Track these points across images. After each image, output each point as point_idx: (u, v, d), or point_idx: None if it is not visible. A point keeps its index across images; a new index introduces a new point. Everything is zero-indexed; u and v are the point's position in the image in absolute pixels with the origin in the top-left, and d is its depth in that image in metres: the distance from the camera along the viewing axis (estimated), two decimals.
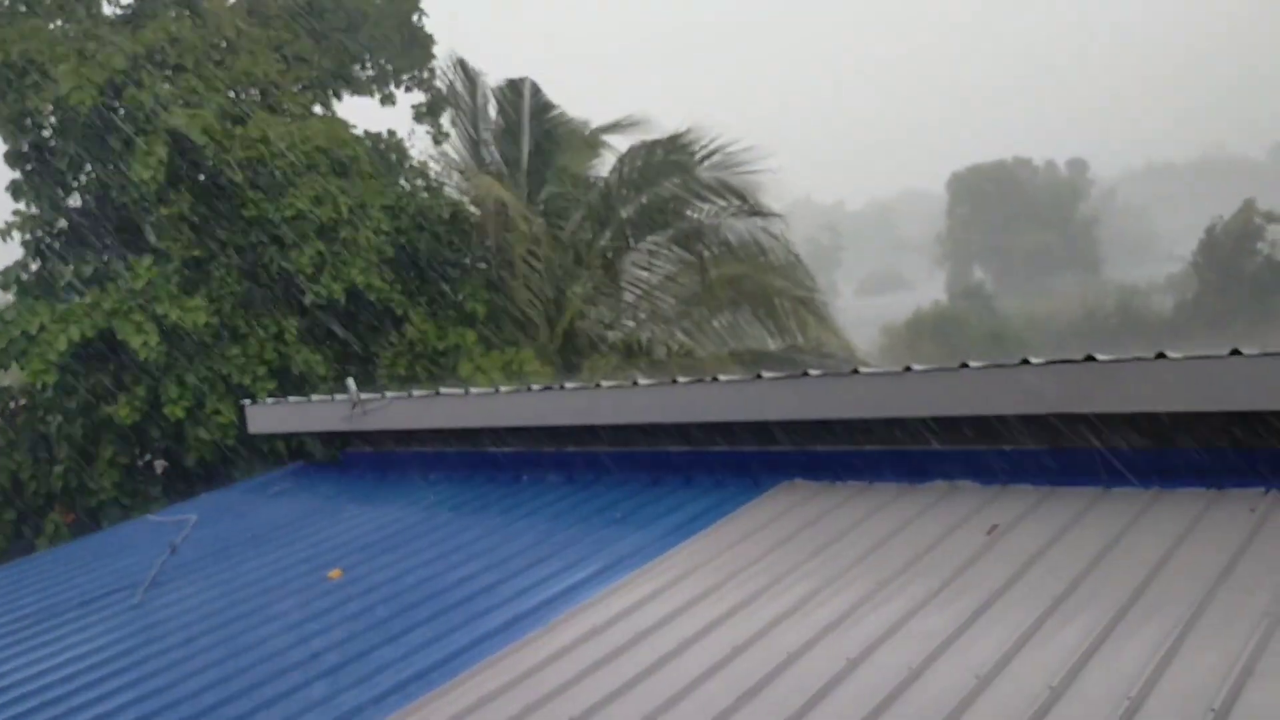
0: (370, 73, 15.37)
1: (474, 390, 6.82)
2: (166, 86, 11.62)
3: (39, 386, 10.49)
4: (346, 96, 15.23)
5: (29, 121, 11.71)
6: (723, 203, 14.77)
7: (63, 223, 12.34)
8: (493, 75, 16.41)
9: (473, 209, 13.73)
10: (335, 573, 5.29)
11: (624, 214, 14.88)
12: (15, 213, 12.03)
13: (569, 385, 6.23)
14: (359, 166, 12.24)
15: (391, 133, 13.78)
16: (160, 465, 11.92)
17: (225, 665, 4.33)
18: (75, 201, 12.42)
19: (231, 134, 11.48)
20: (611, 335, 15.05)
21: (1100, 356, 4.09)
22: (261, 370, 11.20)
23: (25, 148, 11.96)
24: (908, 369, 4.62)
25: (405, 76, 15.56)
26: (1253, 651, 2.74)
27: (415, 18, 15.47)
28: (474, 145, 16.04)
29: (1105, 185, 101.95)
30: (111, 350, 10.88)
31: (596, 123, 16.88)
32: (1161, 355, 3.92)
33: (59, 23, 12.54)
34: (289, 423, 8.30)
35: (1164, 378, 3.92)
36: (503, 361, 12.07)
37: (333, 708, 3.69)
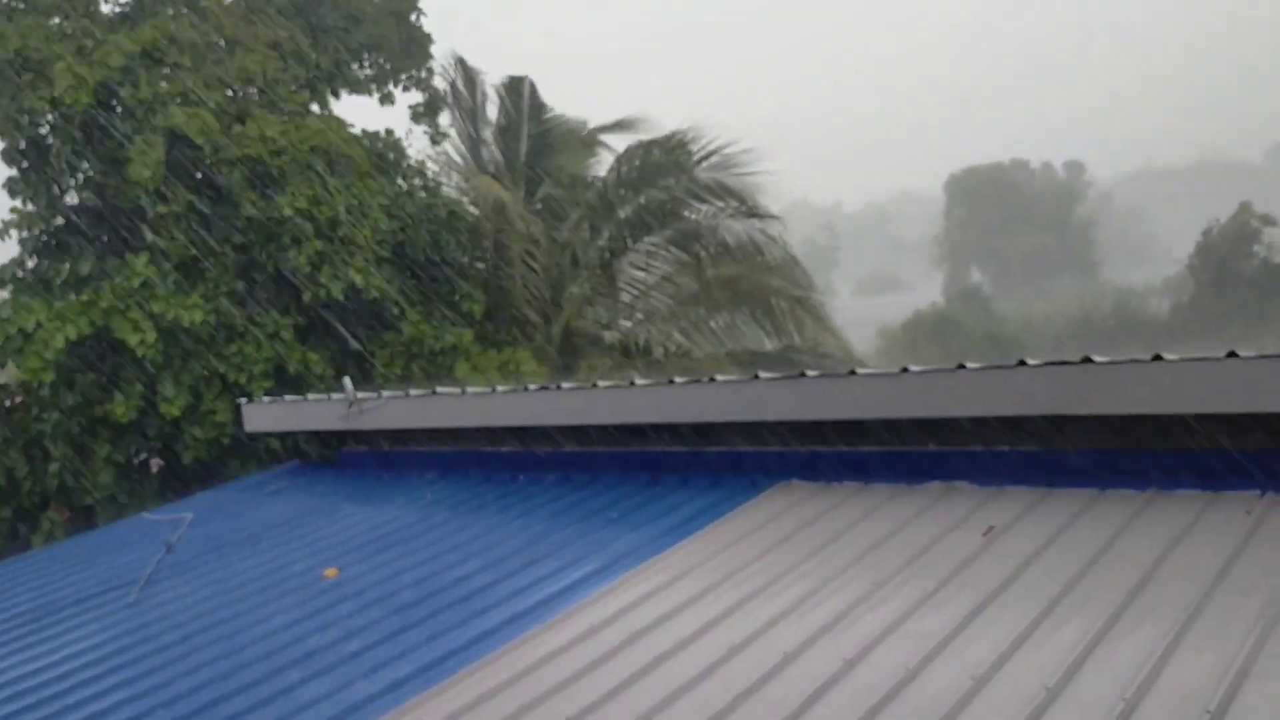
0: (369, 71, 15.37)
1: (470, 390, 6.82)
2: (164, 85, 11.61)
3: (36, 384, 10.47)
4: (345, 95, 15.24)
5: (26, 119, 11.68)
6: (720, 204, 14.78)
7: (60, 220, 12.33)
8: (492, 74, 16.45)
9: (471, 209, 13.73)
10: (331, 572, 5.28)
11: (621, 214, 14.88)
12: (12, 210, 12.01)
13: (566, 385, 6.22)
14: (357, 166, 12.23)
15: (389, 132, 13.78)
16: (156, 464, 11.91)
17: (221, 664, 4.32)
18: (72, 199, 12.41)
19: (229, 133, 11.47)
20: (608, 336, 15.06)
21: (1097, 358, 4.09)
22: (258, 369, 11.18)
23: (23, 145, 11.95)
24: (904, 370, 4.62)
25: (403, 76, 15.57)
26: (1249, 653, 2.75)
27: (413, 17, 15.47)
28: (473, 144, 16.05)
29: (1102, 187, 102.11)
30: (108, 348, 10.86)
31: (595, 123, 16.90)
32: (1158, 357, 3.93)
33: (57, 20, 12.52)
34: (285, 422, 8.29)
35: (1160, 380, 3.93)
36: (499, 361, 12.06)
37: (329, 706, 3.68)
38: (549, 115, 16.32)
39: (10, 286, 11.60)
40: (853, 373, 4.84)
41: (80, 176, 12.15)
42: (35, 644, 5.15)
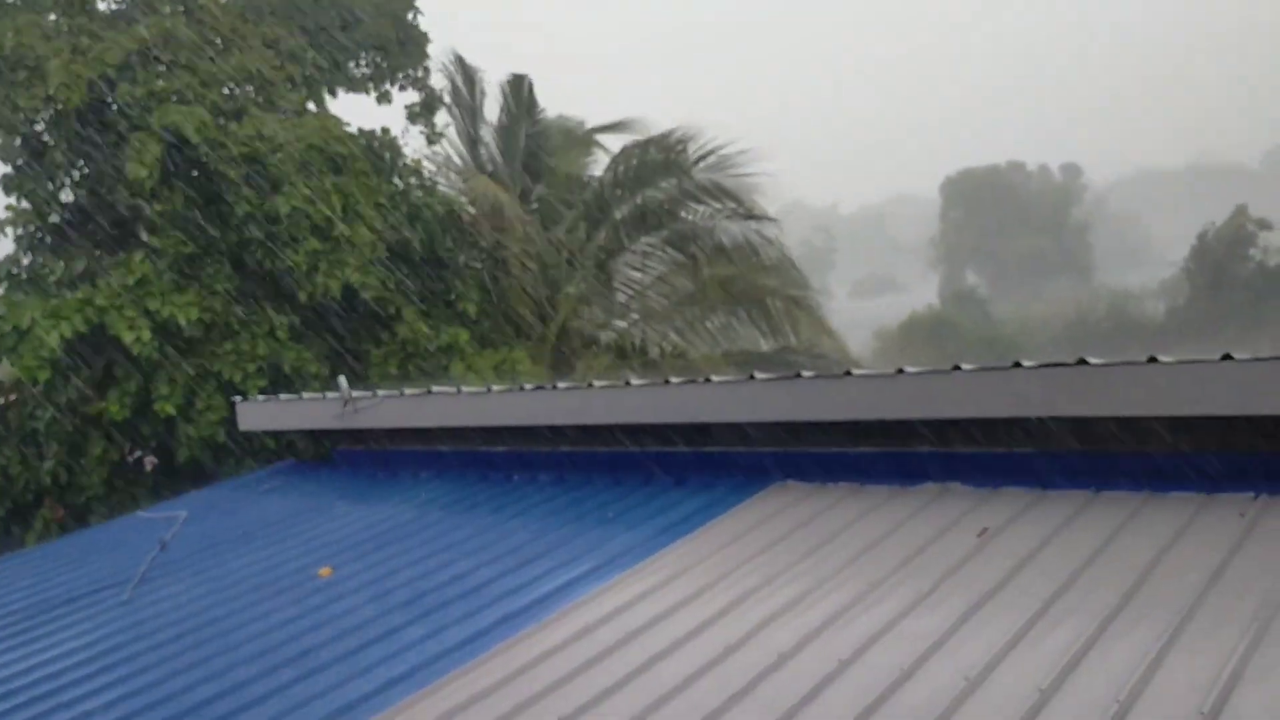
0: (366, 70, 15.36)
1: (466, 389, 6.82)
2: (161, 83, 11.59)
3: (31, 382, 10.45)
4: (342, 93, 15.22)
5: (21, 116, 11.66)
6: (717, 205, 14.79)
7: (55, 218, 12.31)
8: (491, 73, 16.44)
9: (469, 208, 13.72)
10: (325, 570, 5.28)
11: (618, 214, 14.89)
12: (8, 208, 12.00)
13: (561, 385, 6.22)
14: (353, 164, 12.22)
15: (385, 130, 13.76)
16: (150, 462, 11.89)
17: (214, 662, 4.31)
18: (68, 197, 12.39)
19: (226, 131, 11.45)
20: (605, 336, 15.06)
21: (1092, 360, 4.10)
22: (253, 367, 11.17)
23: (18, 142, 11.93)
24: (900, 371, 4.63)
25: (400, 75, 15.56)
26: (1243, 655, 2.75)
27: (410, 16, 15.46)
28: (472, 144, 16.04)
29: (1098, 190, 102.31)
30: (103, 346, 10.84)
31: (593, 122, 16.91)
32: (1153, 360, 3.94)
33: (54, 17, 12.50)
34: (280, 420, 8.28)
35: (1155, 382, 3.93)
36: (495, 361, 12.06)
37: (323, 705, 3.68)
38: (547, 115, 16.32)
39: (5, 284, 11.57)
40: (848, 374, 4.84)
41: (76, 174, 12.14)
42: (28, 642, 5.14)
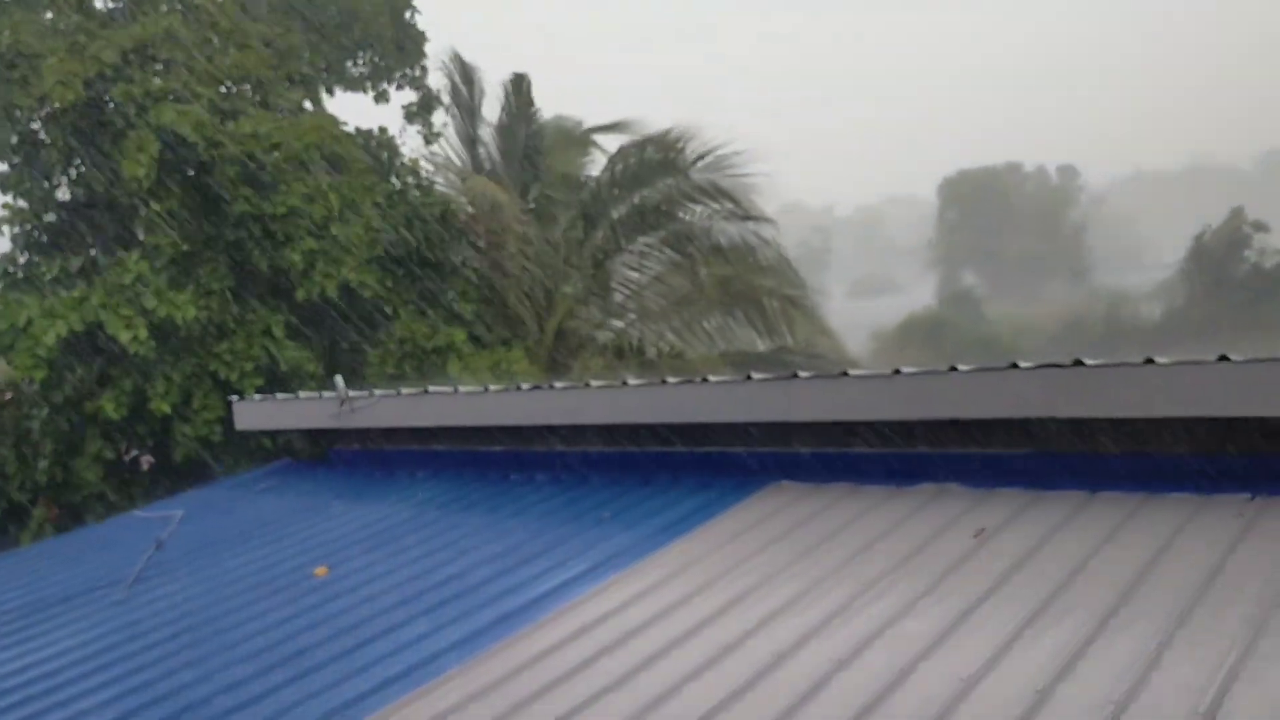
0: (363, 69, 15.36)
1: (463, 389, 6.81)
2: (157, 81, 11.58)
3: (27, 380, 10.44)
4: (340, 92, 15.22)
5: (18, 114, 11.65)
6: (715, 205, 14.80)
7: (51, 216, 12.29)
8: (490, 72, 16.44)
9: (468, 208, 13.72)
10: (321, 570, 5.27)
11: (615, 214, 14.89)
12: (4, 206, 11.99)
13: (558, 385, 6.22)
14: (350, 164, 12.22)
15: (383, 129, 13.77)
16: (147, 461, 11.88)
17: (210, 661, 4.31)
18: (64, 195, 12.37)
19: (223, 129, 11.44)
20: (601, 336, 15.06)
21: (1089, 361, 4.10)
22: (249, 366, 11.16)
23: (14, 140, 11.91)
24: (896, 371, 4.63)
25: (397, 74, 15.56)
26: (1239, 656, 2.75)
27: (408, 15, 15.46)
28: (470, 143, 16.03)
29: (1095, 192, 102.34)
30: (99, 345, 10.83)
31: (591, 122, 16.91)
32: (1150, 361, 3.94)
33: (50, 15, 12.49)
34: (276, 419, 8.27)
35: (1152, 383, 3.94)
36: (492, 361, 12.06)
37: (318, 704, 3.67)
38: (546, 115, 16.32)
39: (2, 282, 11.56)
40: (845, 374, 4.85)
41: (72, 173, 12.12)
42: (23, 641, 5.13)
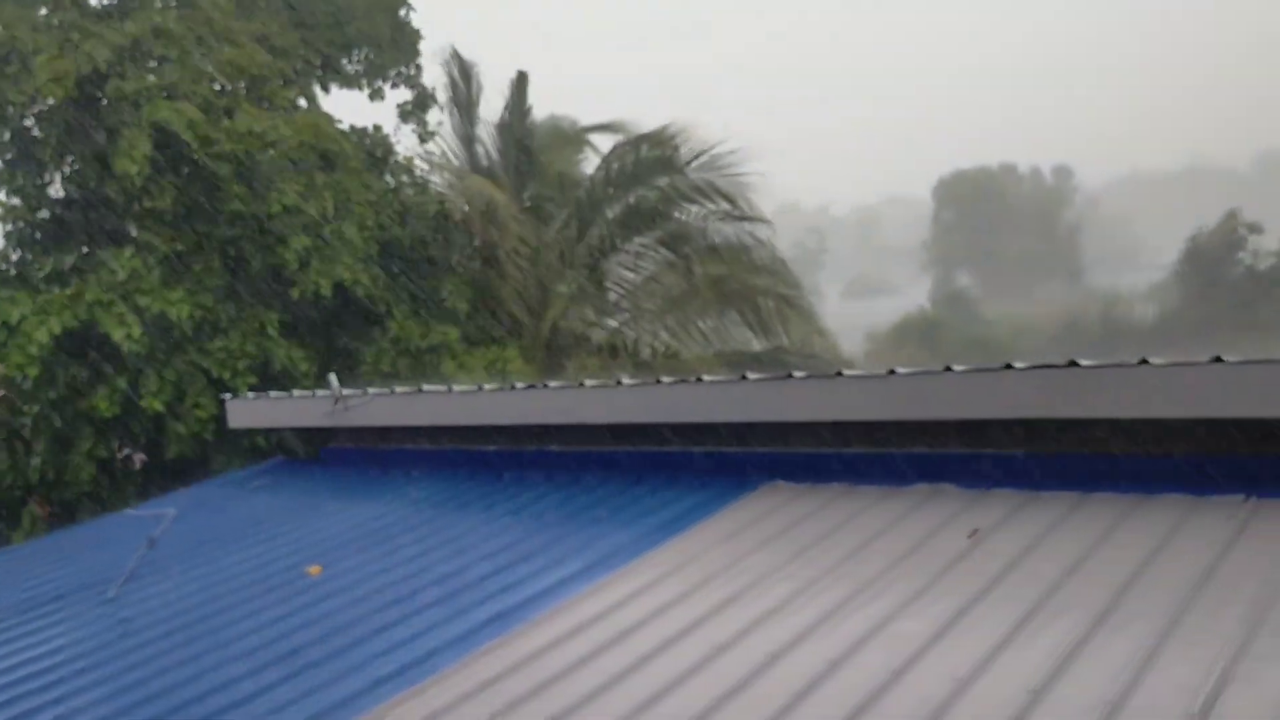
0: (358, 67, 15.33)
1: (457, 388, 6.80)
2: (151, 78, 11.55)
3: (19, 378, 10.40)
4: (335, 89, 15.19)
5: (10, 110, 11.61)
6: (711, 205, 14.79)
7: (44, 213, 12.25)
8: (485, 69, 16.40)
9: (464, 206, 13.70)
10: (315, 569, 5.26)
11: (610, 214, 14.88)
12: None
13: (553, 384, 6.21)
14: (345, 162, 12.19)
15: (377, 128, 13.74)
16: (139, 459, 11.84)
17: (202, 660, 4.29)
18: (57, 192, 12.33)
19: (217, 127, 11.42)
20: (596, 335, 15.05)
21: (1083, 362, 4.10)
22: (242, 364, 11.14)
23: (7, 136, 11.87)
24: (891, 372, 4.63)
25: (392, 72, 15.53)
26: (1232, 657, 2.75)
27: (402, 12, 15.43)
28: (467, 141, 16.00)
29: (1090, 193, 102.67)
30: (91, 342, 10.80)
31: (586, 120, 16.89)
32: (1144, 362, 3.94)
33: (44, 11, 12.45)
34: (270, 418, 8.25)
35: (1146, 384, 3.94)
36: (486, 360, 12.05)
37: (311, 703, 3.66)
38: (542, 113, 16.31)
39: None
40: (840, 374, 4.84)
41: (65, 170, 12.09)
42: (14, 639, 5.11)
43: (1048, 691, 2.78)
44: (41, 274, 11.30)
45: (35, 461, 10.97)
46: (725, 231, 14.91)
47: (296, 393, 8.11)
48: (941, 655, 3.10)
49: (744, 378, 5.20)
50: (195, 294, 11.14)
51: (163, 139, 11.10)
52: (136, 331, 10.37)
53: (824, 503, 4.70)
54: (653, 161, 14.82)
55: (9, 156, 11.95)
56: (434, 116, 15.88)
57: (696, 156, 14.77)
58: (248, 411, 8.37)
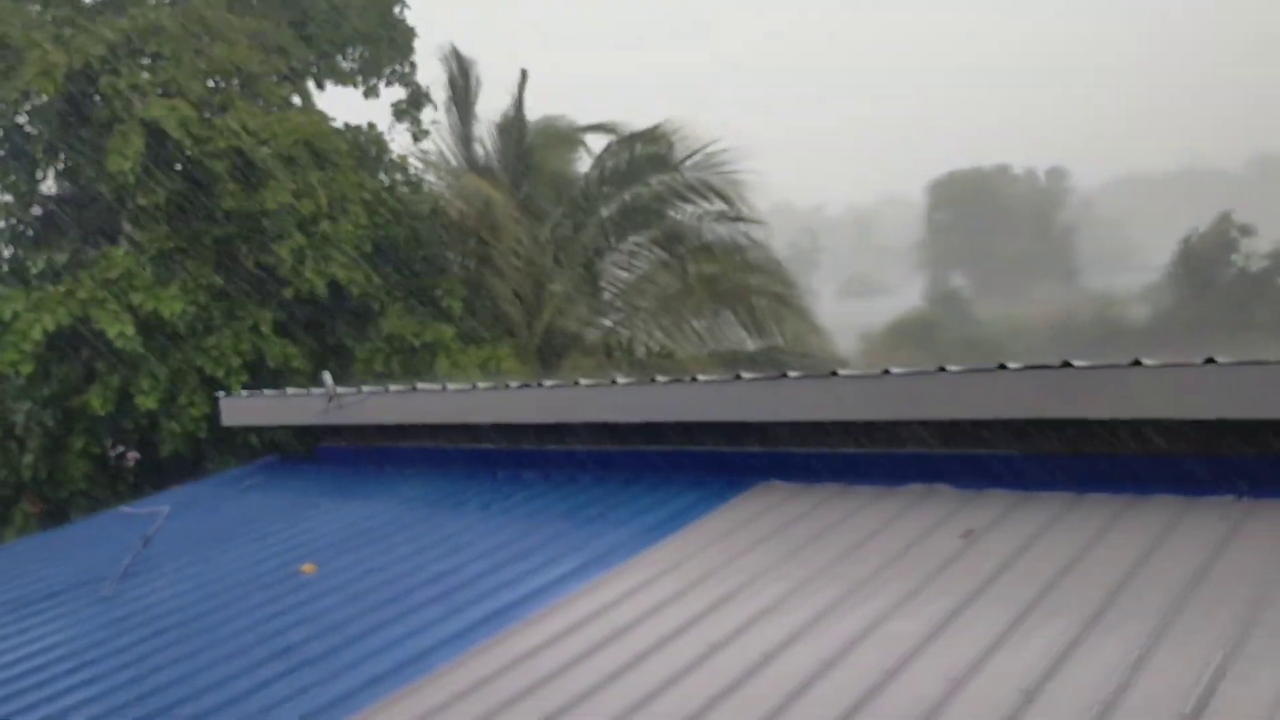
0: (353, 64, 15.30)
1: (451, 386, 6.80)
2: (145, 75, 11.52)
3: (13, 375, 10.38)
4: (330, 86, 15.16)
5: (2, 106, 11.57)
6: (706, 204, 14.78)
7: (37, 210, 12.22)
8: (485, 68, 16.37)
9: (461, 205, 13.69)
10: (309, 567, 5.25)
11: (604, 213, 14.87)
12: None
13: (547, 383, 6.21)
14: (339, 160, 12.17)
15: (371, 125, 13.72)
16: (132, 457, 11.82)
17: (197, 659, 4.29)
18: (50, 188, 12.30)
19: (211, 124, 11.40)
20: (590, 334, 15.04)
21: (1077, 363, 4.12)
22: (236, 362, 11.12)
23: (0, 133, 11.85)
24: (886, 372, 4.64)
25: (387, 70, 15.50)
26: (1224, 657, 2.77)
27: (397, 10, 15.41)
28: (465, 139, 15.97)
29: (1084, 194, 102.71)
30: (84, 339, 10.77)
31: (584, 119, 16.86)
32: (1137, 363, 3.95)
33: (37, 7, 12.41)
34: (264, 416, 8.25)
35: (1140, 385, 3.95)
36: (480, 358, 12.04)
37: (306, 701, 3.66)
38: (539, 111, 16.29)
39: None
40: (834, 374, 4.85)
41: (58, 166, 12.06)
42: (8, 637, 5.10)
43: (1041, 691, 2.79)
44: (35, 271, 11.27)
45: (28, 459, 10.94)
46: (719, 230, 14.91)
47: (290, 391, 8.10)
48: (935, 655, 3.11)
49: (738, 377, 5.21)
50: (189, 291, 11.11)
51: (156, 136, 11.07)
52: (130, 328, 10.35)
53: (818, 502, 4.70)
54: (646, 159, 14.81)
55: (1, 153, 11.91)
56: (429, 115, 15.86)
57: (690, 155, 14.77)
58: (241, 409, 8.36)
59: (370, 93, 15.32)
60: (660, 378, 5.60)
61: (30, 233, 12.16)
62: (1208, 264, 54.02)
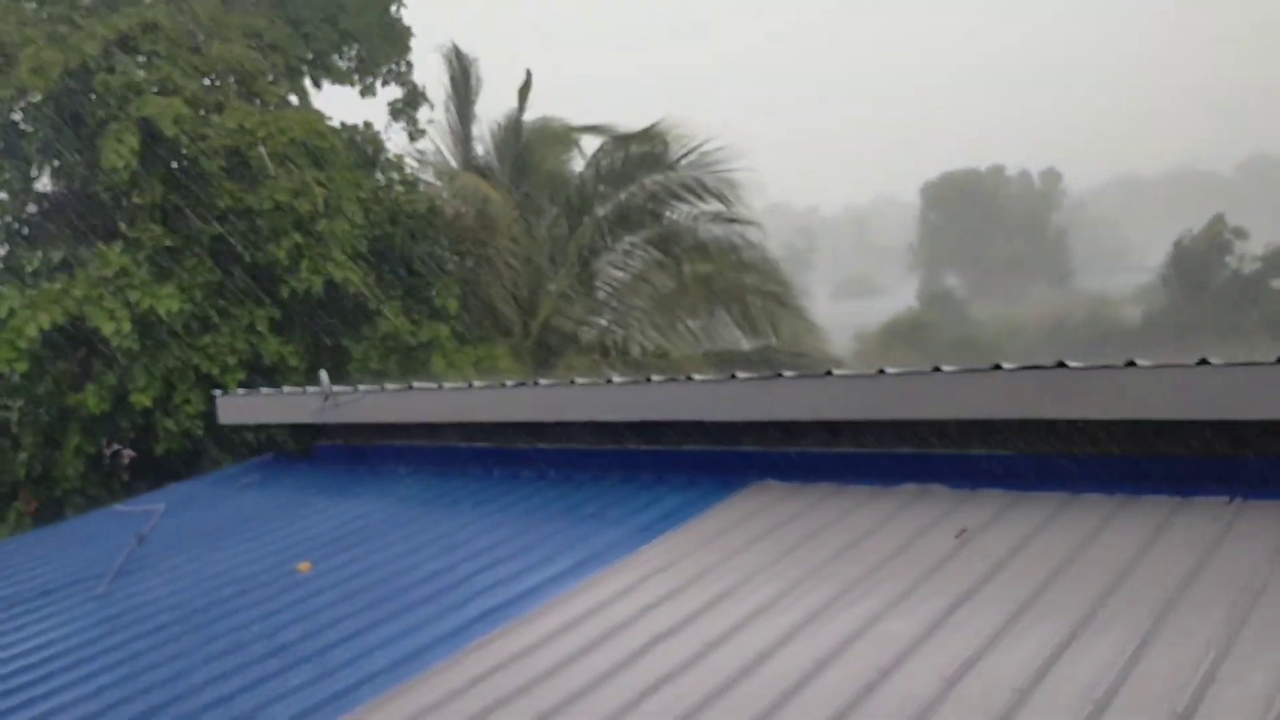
0: (350, 63, 15.30)
1: (447, 385, 6.80)
2: (141, 74, 11.51)
3: (8, 372, 10.35)
4: (327, 85, 15.16)
5: None
6: (701, 204, 14.80)
7: (33, 208, 12.20)
8: (485, 68, 16.37)
9: (458, 205, 13.69)
10: (305, 565, 5.26)
11: (600, 212, 14.88)
12: None
13: (543, 382, 6.22)
14: (335, 159, 12.17)
15: (368, 124, 13.72)
16: (128, 455, 11.80)
17: (192, 656, 4.29)
18: (46, 186, 12.28)
19: (207, 122, 11.38)
20: (586, 334, 15.05)
21: (1071, 364, 4.13)
22: (232, 361, 11.11)
23: None
24: (881, 372, 4.65)
25: (383, 69, 15.50)
26: (1216, 656, 2.78)
27: (394, 9, 15.41)
28: (463, 138, 15.97)
29: (1078, 196, 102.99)
30: (80, 338, 10.76)
31: (584, 119, 16.87)
32: (1131, 364, 3.97)
33: (33, 4, 12.39)
34: (260, 414, 8.24)
35: (1133, 386, 3.97)
36: (476, 357, 12.04)
37: (301, 699, 3.66)
38: (537, 112, 16.30)
39: None
40: (829, 374, 4.87)
41: (54, 164, 12.03)
42: (2, 635, 5.09)
43: (1034, 690, 2.81)
44: (30, 269, 11.24)
45: (22, 456, 10.92)
46: (714, 230, 14.93)
47: (287, 389, 8.10)
48: (929, 654, 3.12)
49: (733, 377, 5.22)
50: (185, 290, 11.09)
51: (151, 134, 11.06)
52: (126, 326, 10.33)
53: (813, 502, 4.72)
54: (641, 158, 14.83)
55: None
56: (425, 114, 15.87)
57: (686, 154, 14.78)
58: (238, 408, 8.36)
59: (367, 91, 15.33)
60: (655, 377, 5.61)
61: (26, 231, 12.13)
62: (1201, 266, 54.16)
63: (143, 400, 10.59)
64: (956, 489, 4.51)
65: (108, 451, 11.38)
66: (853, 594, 3.66)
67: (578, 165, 16.39)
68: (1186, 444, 4.08)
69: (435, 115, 15.90)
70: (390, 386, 7.16)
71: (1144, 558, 3.51)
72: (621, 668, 3.41)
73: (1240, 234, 54.11)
